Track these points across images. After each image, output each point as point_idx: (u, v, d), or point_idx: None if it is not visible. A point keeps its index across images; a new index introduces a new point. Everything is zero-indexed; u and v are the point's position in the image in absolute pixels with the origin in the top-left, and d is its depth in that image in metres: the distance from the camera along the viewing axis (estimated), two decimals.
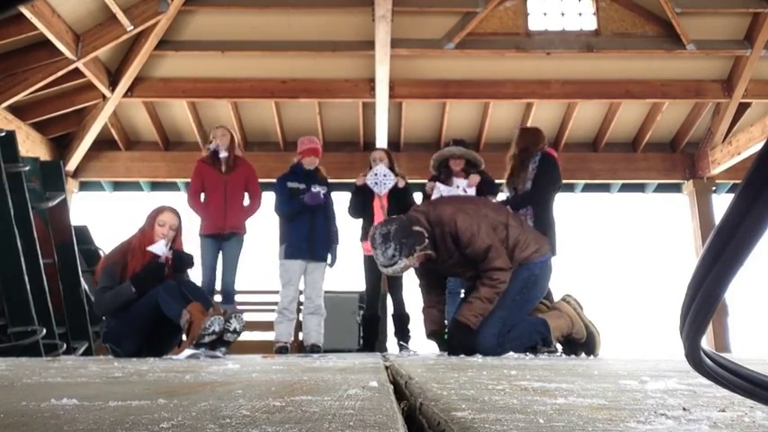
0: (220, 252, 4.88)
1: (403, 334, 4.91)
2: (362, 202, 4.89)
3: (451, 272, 3.58)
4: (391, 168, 4.90)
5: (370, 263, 4.84)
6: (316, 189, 4.73)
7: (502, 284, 3.28)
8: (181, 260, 3.75)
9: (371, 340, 5.08)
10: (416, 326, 5.04)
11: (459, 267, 3.46)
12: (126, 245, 3.78)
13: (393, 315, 4.98)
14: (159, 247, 3.66)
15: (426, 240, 3.30)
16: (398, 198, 4.84)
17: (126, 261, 3.70)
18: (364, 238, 4.86)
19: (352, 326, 5.31)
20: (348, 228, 5.15)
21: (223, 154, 4.92)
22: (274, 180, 5.06)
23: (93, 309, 3.87)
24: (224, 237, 4.84)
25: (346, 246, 5.15)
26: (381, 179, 4.75)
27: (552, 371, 1.56)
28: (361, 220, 5.02)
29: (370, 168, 4.88)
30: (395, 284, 4.91)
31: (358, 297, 5.23)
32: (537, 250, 3.41)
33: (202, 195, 4.95)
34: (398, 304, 4.93)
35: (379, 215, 4.79)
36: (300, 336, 4.95)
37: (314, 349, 4.75)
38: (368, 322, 5.13)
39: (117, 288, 3.61)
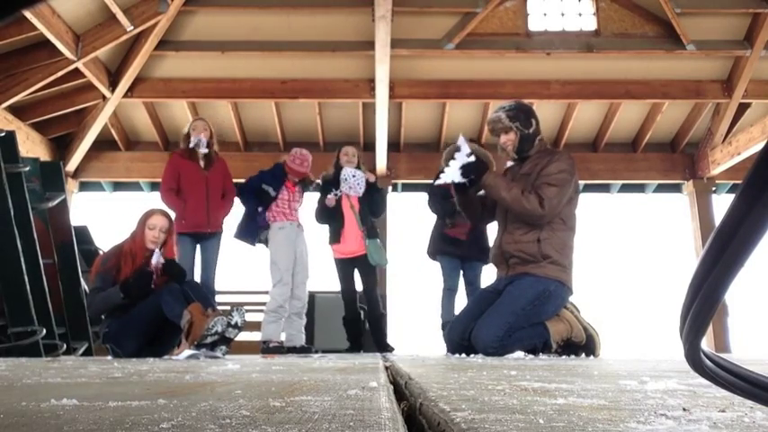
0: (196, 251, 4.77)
1: (381, 337, 5.04)
2: (330, 212, 4.95)
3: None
4: (358, 167, 5.00)
5: (342, 265, 5.00)
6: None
7: (527, 205, 3.33)
8: (171, 272, 3.74)
9: (357, 340, 5.12)
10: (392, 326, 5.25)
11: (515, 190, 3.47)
12: (119, 250, 3.80)
13: (368, 317, 5.09)
14: (155, 258, 3.67)
15: (527, 131, 3.50)
16: (370, 194, 4.94)
17: (119, 266, 3.72)
18: (333, 241, 4.97)
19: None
20: (319, 232, 5.22)
21: (204, 150, 4.75)
22: None
23: (86, 310, 3.89)
24: (204, 235, 4.71)
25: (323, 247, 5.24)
26: (353, 184, 4.83)
27: (552, 371, 1.56)
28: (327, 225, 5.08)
29: (337, 171, 4.96)
30: (372, 283, 5.02)
31: (342, 297, 5.23)
32: (563, 270, 3.41)
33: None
34: (375, 302, 5.01)
35: (350, 215, 4.90)
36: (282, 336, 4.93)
37: (304, 349, 4.74)
38: (349, 324, 5.12)
39: (107, 291, 3.63)
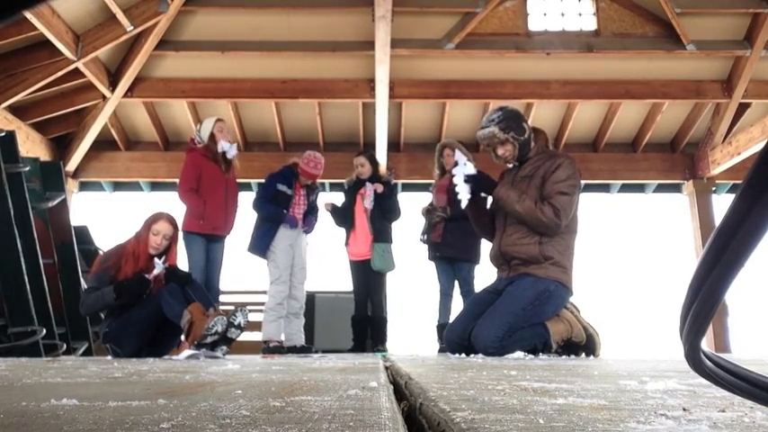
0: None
1: (379, 337, 5.14)
2: (344, 215, 5.16)
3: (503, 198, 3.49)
4: (375, 171, 5.22)
5: (355, 267, 5.19)
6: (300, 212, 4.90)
7: (543, 218, 3.31)
8: (175, 280, 3.72)
9: (362, 340, 5.24)
10: (395, 329, 5.40)
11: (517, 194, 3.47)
12: (121, 249, 3.79)
13: (371, 317, 5.19)
14: (157, 269, 3.67)
15: (523, 137, 3.47)
16: (381, 200, 5.08)
17: (120, 265, 3.71)
18: (346, 243, 5.19)
19: (347, 326, 5.37)
20: (335, 234, 5.36)
21: (232, 154, 4.69)
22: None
23: (79, 308, 3.87)
24: (216, 237, 4.68)
25: (337, 249, 5.37)
26: (370, 198, 5.05)
27: (552, 371, 1.56)
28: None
29: (358, 178, 5.19)
30: (376, 287, 5.15)
31: (354, 297, 5.32)
32: (564, 271, 3.41)
33: None
34: (377, 306, 5.16)
35: (361, 219, 5.06)
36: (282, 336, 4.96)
37: (304, 349, 4.77)
38: (357, 324, 5.25)
39: (101, 291, 3.62)
